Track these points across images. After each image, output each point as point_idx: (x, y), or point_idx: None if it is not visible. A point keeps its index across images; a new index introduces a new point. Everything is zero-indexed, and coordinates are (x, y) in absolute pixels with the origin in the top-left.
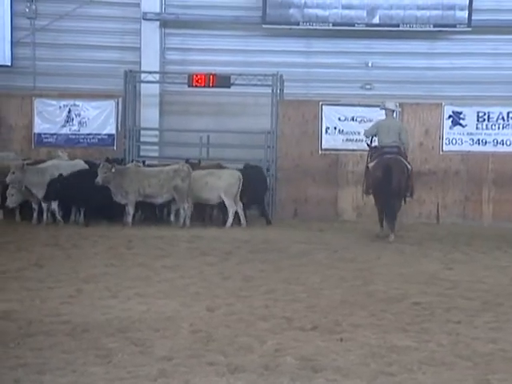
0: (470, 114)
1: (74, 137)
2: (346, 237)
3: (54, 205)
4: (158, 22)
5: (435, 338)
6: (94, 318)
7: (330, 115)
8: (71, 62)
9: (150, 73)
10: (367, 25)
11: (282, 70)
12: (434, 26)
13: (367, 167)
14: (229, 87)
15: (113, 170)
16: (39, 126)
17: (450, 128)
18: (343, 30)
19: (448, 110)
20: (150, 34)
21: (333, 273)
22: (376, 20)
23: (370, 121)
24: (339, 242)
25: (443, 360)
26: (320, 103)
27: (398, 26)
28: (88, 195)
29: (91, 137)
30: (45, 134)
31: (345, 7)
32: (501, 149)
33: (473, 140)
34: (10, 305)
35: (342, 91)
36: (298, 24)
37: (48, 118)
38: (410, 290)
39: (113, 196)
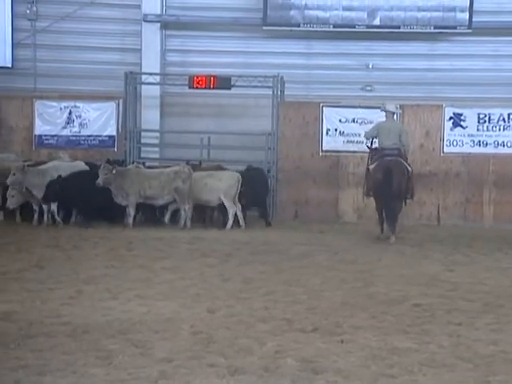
0: (470, 116)
1: (74, 138)
2: (347, 238)
3: (54, 206)
4: (158, 24)
5: (436, 340)
6: (94, 320)
7: (331, 117)
8: (72, 64)
9: (150, 74)
10: (368, 26)
11: (283, 71)
12: (435, 28)
13: (367, 169)
14: (229, 89)
15: (114, 172)
16: (40, 128)
17: (451, 129)
18: (344, 32)
19: (449, 112)
20: (151, 35)
21: (333, 274)
22: (377, 21)
23: (371, 122)
24: (340, 243)
25: (444, 362)
26: (321, 105)
27: (399, 27)
28: (86, 196)
29: (92, 138)
30: (45, 135)
31: (345, 9)
32: (501, 150)
33: (473, 142)
34: (11, 306)
35: (343, 93)
36: (299, 25)
37: (49, 120)
38: (411, 291)
39: (113, 197)
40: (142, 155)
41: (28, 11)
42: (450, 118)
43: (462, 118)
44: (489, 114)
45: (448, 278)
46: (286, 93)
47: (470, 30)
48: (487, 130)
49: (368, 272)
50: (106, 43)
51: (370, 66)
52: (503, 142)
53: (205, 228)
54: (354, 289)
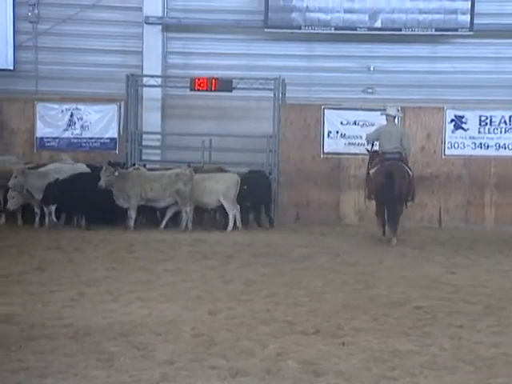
0: (472, 118)
1: (76, 141)
2: (348, 241)
3: (52, 208)
4: (160, 26)
5: (437, 342)
6: (95, 322)
7: (332, 119)
8: (73, 66)
9: (152, 76)
10: (369, 29)
11: (284, 73)
12: (436, 30)
13: (368, 173)
14: (231, 91)
15: (116, 174)
16: (41, 130)
17: (452, 132)
18: (345, 34)
19: (450, 114)
20: (152, 37)
21: (335, 277)
22: (378, 24)
23: (372, 125)
24: (341, 245)
25: (445, 364)
26: (322, 107)
27: (400, 29)
28: (86, 199)
29: (93, 141)
30: (47, 137)
31: (347, 11)
32: (503, 153)
33: (475, 144)
34: (12, 308)
35: (344, 95)
36: (300, 28)
37: (50, 122)
38: (412, 294)
39: (115, 200)
40: (144, 157)
41: (30, 13)
42: (452, 121)
43: (464, 120)
44: (490, 116)
45: (449, 280)
46: (287, 95)
47: (471, 33)
48: (489, 132)
49: (369, 274)
50: (107, 45)
51: (372, 69)
52: (505, 144)
53: (206, 230)
54: (356, 291)
